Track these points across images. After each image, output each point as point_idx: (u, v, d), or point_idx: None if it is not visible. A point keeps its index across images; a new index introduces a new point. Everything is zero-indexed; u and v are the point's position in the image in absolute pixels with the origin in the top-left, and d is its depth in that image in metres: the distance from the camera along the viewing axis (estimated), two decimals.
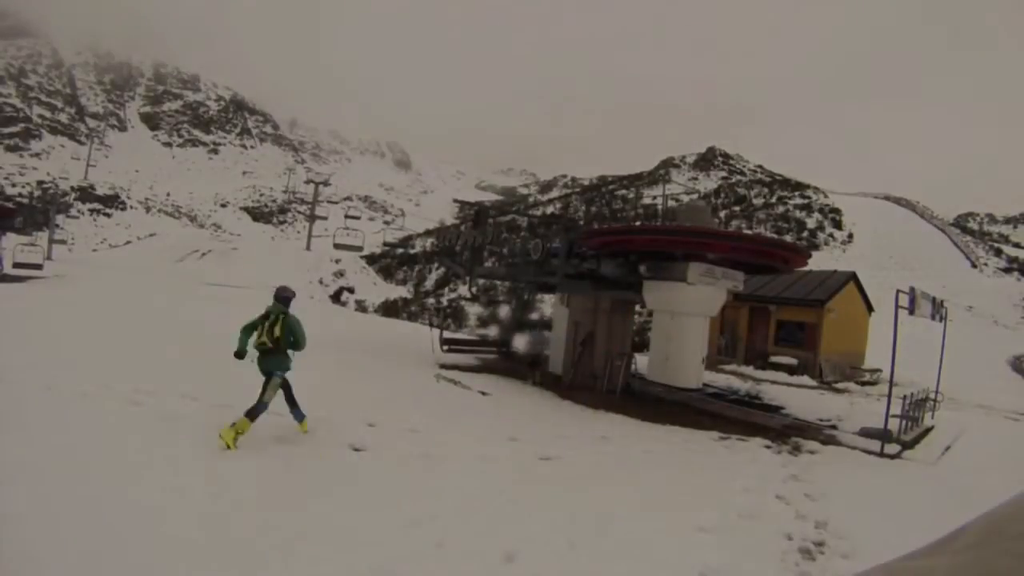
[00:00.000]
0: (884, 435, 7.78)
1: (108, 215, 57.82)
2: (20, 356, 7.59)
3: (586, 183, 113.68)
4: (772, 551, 4.29)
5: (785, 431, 8.60)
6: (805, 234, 47.54)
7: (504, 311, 32.99)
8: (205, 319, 14.14)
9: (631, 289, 11.09)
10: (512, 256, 15.08)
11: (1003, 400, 14.40)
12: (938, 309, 9.70)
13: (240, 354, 5.77)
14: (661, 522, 4.62)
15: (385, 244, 32.38)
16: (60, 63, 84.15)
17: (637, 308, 14.71)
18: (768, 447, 7.70)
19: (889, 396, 8.09)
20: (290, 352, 5.77)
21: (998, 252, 46.80)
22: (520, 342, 14.05)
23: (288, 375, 5.81)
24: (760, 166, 78.89)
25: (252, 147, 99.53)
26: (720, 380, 14.03)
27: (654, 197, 60.12)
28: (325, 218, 48.76)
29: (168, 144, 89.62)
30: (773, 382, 14.41)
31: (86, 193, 59.26)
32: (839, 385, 15.29)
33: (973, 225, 78.41)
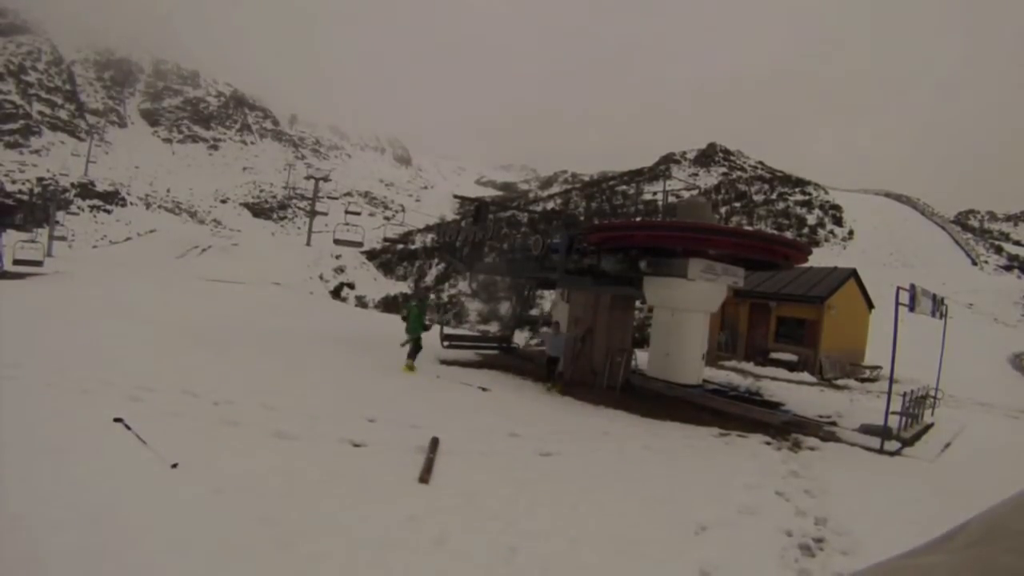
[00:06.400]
0: (884, 432, 7.79)
1: (108, 211, 57.66)
2: (20, 353, 7.60)
3: (586, 179, 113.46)
4: (772, 547, 4.30)
5: (785, 427, 8.61)
6: (805, 230, 47.42)
7: (504, 307, 33.00)
8: (206, 315, 14.15)
9: (631, 285, 11.08)
10: (512, 252, 15.08)
11: (1003, 398, 14.41)
12: (938, 306, 9.69)
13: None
14: (661, 518, 4.63)
15: (385, 240, 32.28)
16: (60, 60, 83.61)
17: (637, 304, 14.70)
18: (768, 443, 7.71)
19: (889, 393, 8.10)
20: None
21: (999, 250, 46.73)
22: (543, 343, 14.94)
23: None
24: (761, 162, 78.69)
25: (252, 143, 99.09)
26: (720, 376, 14.04)
27: (655, 193, 59.92)
28: (325, 214, 48.76)
29: (168, 140, 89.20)
30: (773, 378, 14.42)
31: (86, 189, 59.09)
32: (839, 382, 15.30)
33: (974, 222, 78.31)
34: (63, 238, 37.23)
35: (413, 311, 10.95)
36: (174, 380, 7.19)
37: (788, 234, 42.80)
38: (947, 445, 8.30)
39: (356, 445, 5.72)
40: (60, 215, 40.07)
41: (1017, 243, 55.97)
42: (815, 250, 22.89)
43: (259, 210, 75.71)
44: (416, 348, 10.71)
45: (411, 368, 10.43)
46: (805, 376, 15.39)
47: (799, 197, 55.07)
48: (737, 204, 56.74)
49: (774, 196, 57.07)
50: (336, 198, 78.44)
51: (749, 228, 42.89)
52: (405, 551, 3.63)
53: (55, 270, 23.16)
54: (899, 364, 8.59)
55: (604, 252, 11.11)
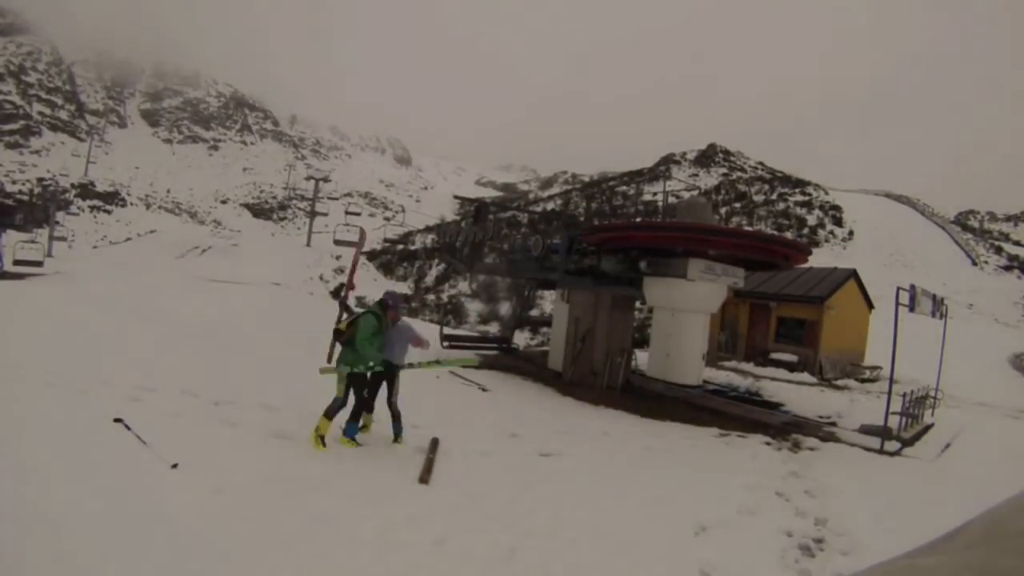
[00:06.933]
0: (884, 432, 7.79)
1: (108, 212, 57.63)
2: (20, 353, 7.59)
3: (587, 179, 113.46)
4: (772, 548, 4.30)
5: (785, 428, 8.60)
6: (805, 231, 47.38)
7: (504, 307, 33.00)
8: (206, 315, 14.14)
9: (631, 285, 11.08)
10: (513, 252, 15.10)
11: (1003, 398, 14.40)
12: (938, 306, 9.69)
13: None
14: (661, 518, 4.63)
15: (385, 240, 32.40)
16: (60, 60, 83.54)
17: (637, 304, 14.70)
18: (768, 444, 7.71)
19: (889, 393, 8.09)
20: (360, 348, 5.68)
21: (999, 250, 46.67)
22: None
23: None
24: (761, 163, 78.64)
25: (252, 143, 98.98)
26: (720, 377, 14.04)
27: (655, 193, 59.94)
28: (325, 214, 48.79)
29: (168, 141, 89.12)
30: (773, 379, 14.41)
31: (86, 190, 59.07)
32: (839, 382, 15.29)
33: (974, 223, 78.28)
34: (63, 238, 37.22)
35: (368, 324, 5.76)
36: (174, 380, 7.18)
37: (788, 234, 42.79)
38: (947, 445, 8.29)
39: (356, 445, 5.71)
40: (60, 215, 40.02)
41: (1017, 243, 55.92)
42: (815, 250, 22.88)
43: (259, 210, 75.58)
44: (355, 402, 5.76)
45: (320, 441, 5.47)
46: (805, 376, 15.37)
47: (799, 197, 55.04)
48: (737, 205, 56.71)
49: (774, 196, 57.03)
50: (336, 199, 78.33)
51: (749, 228, 42.88)
52: (405, 551, 3.63)
53: (55, 270, 23.14)
54: (899, 364, 8.59)
55: (604, 252, 11.11)
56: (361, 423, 5.93)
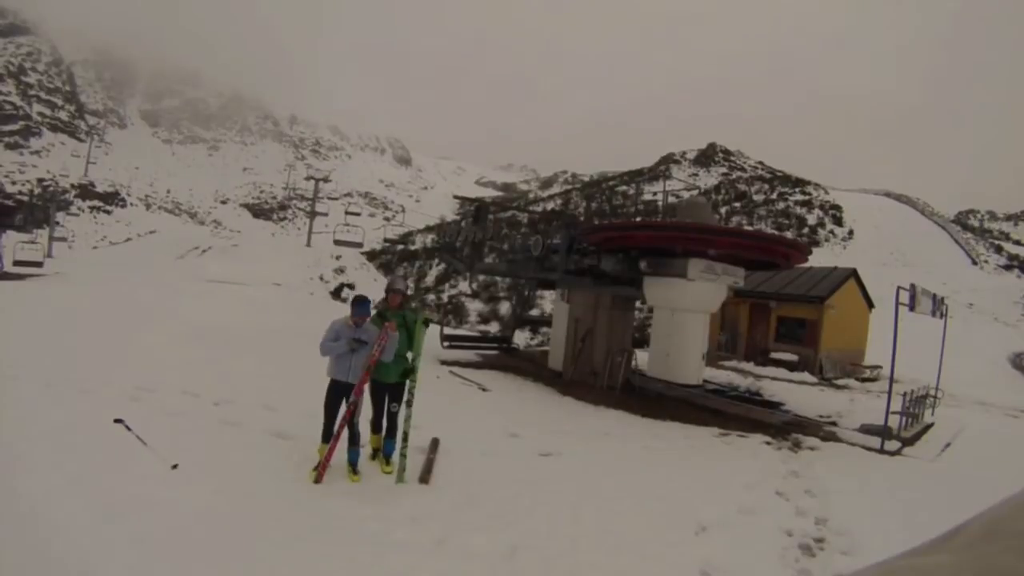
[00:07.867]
0: (884, 432, 7.79)
1: (108, 212, 57.67)
2: (20, 353, 7.60)
3: (586, 179, 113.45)
4: (772, 547, 4.30)
5: (785, 427, 8.60)
6: (806, 230, 47.38)
7: (504, 307, 33.02)
8: (206, 316, 14.14)
9: (631, 285, 11.08)
10: (513, 252, 15.10)
11: (1003, 397, 14.40)
12: (938, 306, 9.68)
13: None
14: (661, 518, 4.63)
15: (385, 240, 32.42)
16: (59, 61, 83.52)
17: (637, 304, 14.70)
18: (768, 443, 7.70)
19: (889, 393, 8.09)
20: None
21: (999, 249, 46.66)
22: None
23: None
24: (761, 162, 78.61)
25: (252, 144, 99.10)
26: (720, 376, 14.04)
27: (655, 193, 59.93)
28: (325, 214, 48.70)
29: (168, 141, 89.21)
30: (773, 378, 14.41)
31: (86, 190, 59.09)
32: (839, 382, 15.29)
33: (974, 222, 78.24)
34: (63, 239, 37.20)
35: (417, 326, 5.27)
36: (174, 380, 7.19)
37: (788, 234, 42.79)
38: (947, 445, 8.29)
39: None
40: (60, 216, 40.06)
41: (1017, 243, 55.93)
42: (815, 250, 22.88)
43: (259, 211, 75.67)
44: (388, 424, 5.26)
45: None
46: (805, 376, 15.37)
47: (799, 197, 55.04)
48: (737, 204, 56.69)
49: (774, 196, 57.03)
50: (336, 199, 78.36)
51: (749, 228, 42.88)
52: (406, 551, 3.63)
53: (55, 271, 23.18)
54: (899, 364, 8.58)
55: (604, 252, 11.10)
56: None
